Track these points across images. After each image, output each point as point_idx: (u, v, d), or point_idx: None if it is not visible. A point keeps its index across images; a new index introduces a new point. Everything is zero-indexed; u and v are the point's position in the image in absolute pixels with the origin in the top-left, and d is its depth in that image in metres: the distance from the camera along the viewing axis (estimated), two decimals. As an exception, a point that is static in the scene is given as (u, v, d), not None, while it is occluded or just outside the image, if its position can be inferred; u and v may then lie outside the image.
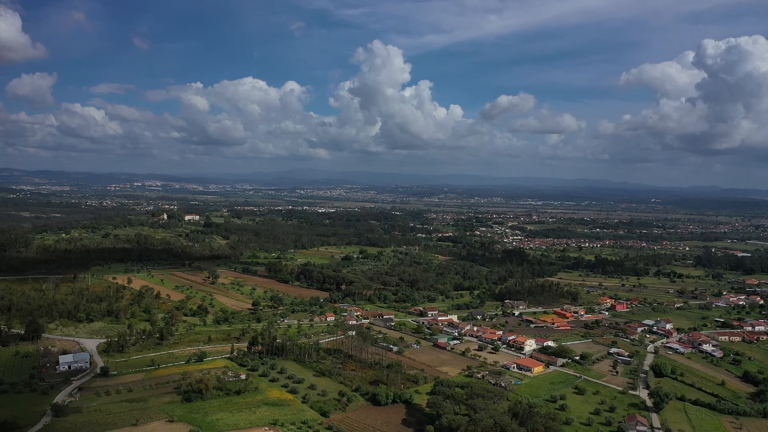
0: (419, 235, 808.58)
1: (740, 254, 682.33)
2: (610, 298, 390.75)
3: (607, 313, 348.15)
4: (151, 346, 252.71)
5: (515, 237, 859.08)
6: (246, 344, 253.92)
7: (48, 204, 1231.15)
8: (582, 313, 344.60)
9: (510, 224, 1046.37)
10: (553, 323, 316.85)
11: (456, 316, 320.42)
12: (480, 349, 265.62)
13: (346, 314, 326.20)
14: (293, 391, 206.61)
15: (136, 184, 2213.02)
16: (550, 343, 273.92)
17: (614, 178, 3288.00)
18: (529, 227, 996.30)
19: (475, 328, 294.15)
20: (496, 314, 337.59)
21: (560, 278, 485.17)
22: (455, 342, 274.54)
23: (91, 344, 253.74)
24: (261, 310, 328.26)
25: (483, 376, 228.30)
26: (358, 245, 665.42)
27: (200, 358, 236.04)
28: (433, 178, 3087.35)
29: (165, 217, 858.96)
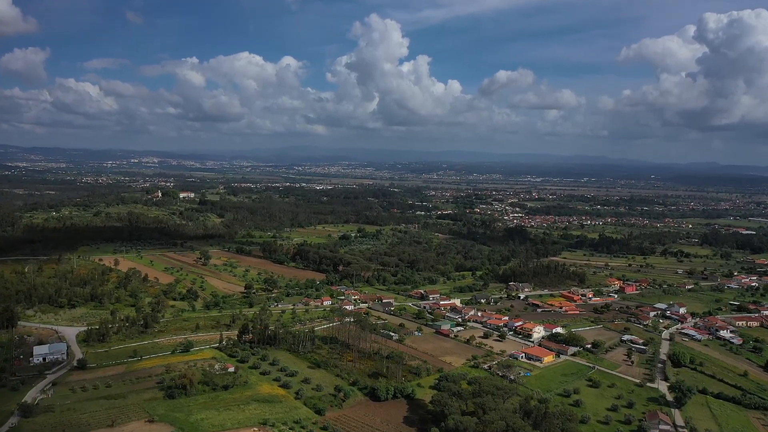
0: (418, 212, 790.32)
1: (744, 232, 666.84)
2: (618, 279, 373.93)
3: (616, 296, 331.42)
4: (135, 334, 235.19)
5: (515, 214, 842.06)
6: (236, 332, 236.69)
7: (42, 181, 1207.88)
8: (590, 296, 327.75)
9: (510, 201, 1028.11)
10: (561, 307, 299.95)
11: (459, 300, 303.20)
12: (485, 336, 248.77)
13: (343, 298, 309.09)
14: (286, 386, 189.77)
15: (132, 160, 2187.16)
16: (560, 330, 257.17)
17: (613, 155, 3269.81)
18: (529, 204, 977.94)
19: (479, 314, 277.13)
20: (501, 297, 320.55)
21: (564, 258, 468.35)
22: (459, 329, 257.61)
23: (71, 333, 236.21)
24: (254, 293, 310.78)
25: (490, 367, 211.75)
26: (356, 223, 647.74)
27: (186, 348, 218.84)
28: (431, 155, 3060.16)
29: (159, 194, 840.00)
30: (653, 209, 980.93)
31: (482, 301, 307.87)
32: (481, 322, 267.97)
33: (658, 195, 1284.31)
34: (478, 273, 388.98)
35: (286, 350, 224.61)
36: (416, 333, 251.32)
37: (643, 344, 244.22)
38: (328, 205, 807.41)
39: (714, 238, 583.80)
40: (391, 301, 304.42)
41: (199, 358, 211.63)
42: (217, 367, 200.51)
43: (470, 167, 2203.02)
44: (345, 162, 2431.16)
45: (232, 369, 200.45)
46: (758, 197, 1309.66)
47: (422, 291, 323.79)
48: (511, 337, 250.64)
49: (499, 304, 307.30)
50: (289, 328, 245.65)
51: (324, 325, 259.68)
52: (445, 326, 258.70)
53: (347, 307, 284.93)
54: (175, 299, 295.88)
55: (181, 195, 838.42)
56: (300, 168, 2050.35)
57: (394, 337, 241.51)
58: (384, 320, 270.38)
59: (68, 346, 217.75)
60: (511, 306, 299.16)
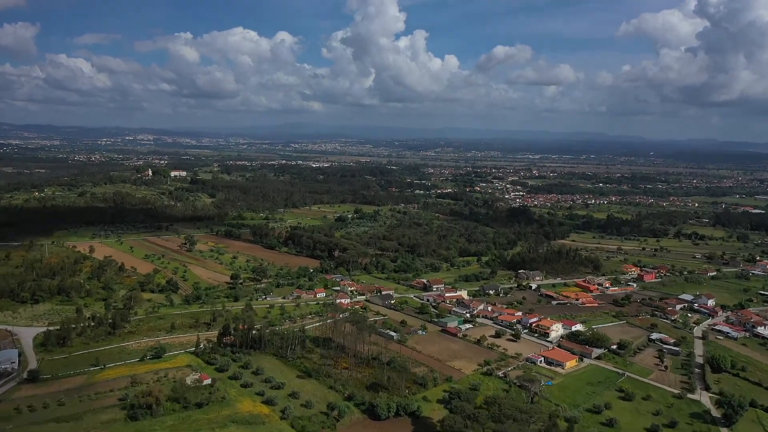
0: (417, 191, 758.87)
1: (753, 211, 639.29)
2: (635, 265, 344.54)
3: (635, 285, 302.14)
4: (102, 336, 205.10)
5: (517, 193, 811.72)
6: (217, 333, 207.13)
7: (33, 159, 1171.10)
8: (607, 285, 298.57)
9: (510, 179, 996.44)
10: (577, 299, 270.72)
11: (465, 291, 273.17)
12: (497, 335, 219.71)
13: (338, 289, 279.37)
14: (270, 402, 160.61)
15: (127, 138, 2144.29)
16: (580, 327, 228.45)
17: (611, 132, 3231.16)
18: (530, 182, 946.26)
19: (489, 308, 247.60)
20: (511, 288, 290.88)
21: (573, 241, 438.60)
22: (467, 326, 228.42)
23: (29, 335, 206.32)
24: (241, 284, 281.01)
25: (505, 375, 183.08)
26: (353, 203, 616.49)
27: (158, 354, 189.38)
28: (428, 132, 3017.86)
29: (150, 173, 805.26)
30: (656, 187, 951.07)
31: (491, 292, 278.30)
32: (491, 318, 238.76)
33: (659, 172, 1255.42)
34: (484, 259, 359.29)
35: (273, 355, 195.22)
36: (420, 332, 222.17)
37: (675, 344, 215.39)
38: (324, 183, 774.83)
39: (726, 218, 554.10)
40: (390, 292, 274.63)
41: (172, 367, 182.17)
42: (190, 379, 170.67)
43: (468, 144, 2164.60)
44: (342, 139, 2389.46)
45: (208, 381, 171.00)
46: (760, 174, 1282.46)
47: (425, 281, 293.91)
48: (526, 336, 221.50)
49: (509, 295, 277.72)
50: (278, 327, 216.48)
51: (316, 322, 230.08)
52: (452, 323, 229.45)
53: (342, 300, 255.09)
54: (152, 291, 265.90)
55: (173, 174, 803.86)
56: (297, 145, 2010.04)
57: (395, 337, 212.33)
58: (383, 316, 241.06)
59: (21, 353, 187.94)
60: (523, 298, 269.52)
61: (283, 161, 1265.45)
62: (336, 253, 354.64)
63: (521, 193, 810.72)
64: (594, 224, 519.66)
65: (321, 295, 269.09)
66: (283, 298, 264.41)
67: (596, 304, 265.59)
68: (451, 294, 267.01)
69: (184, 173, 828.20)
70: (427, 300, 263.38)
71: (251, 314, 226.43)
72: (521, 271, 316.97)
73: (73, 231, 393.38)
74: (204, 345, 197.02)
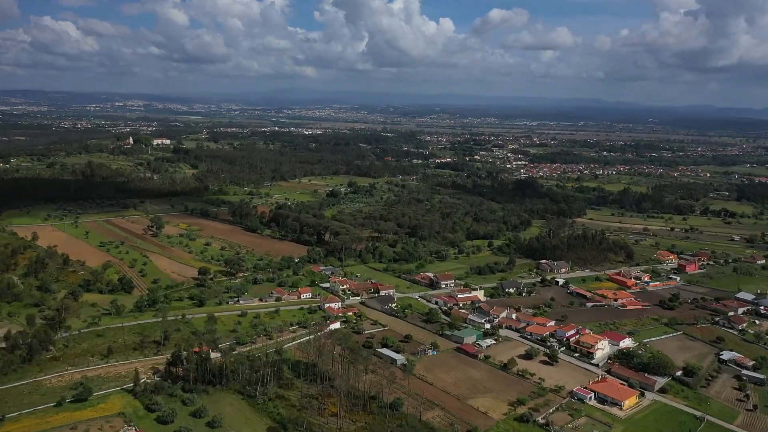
0: (415, 161, 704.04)
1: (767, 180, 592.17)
2: (670, 251, 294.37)
3: (678, 279, 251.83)
4: (14, 365, 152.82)
5: (519, 162, 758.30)
6: (166, 359, 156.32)
7: (16, 126, 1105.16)
8: (646, 279, 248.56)
9: (510, 147, 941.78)
10: (616, 299, 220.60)
11: (482, 292, 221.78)
12: (528, 356, 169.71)
13: (327, 287, 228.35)
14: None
15: (117, 104, 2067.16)
16: (629, 343, 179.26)
17: (608, 98, 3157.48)
18: (531, 151, 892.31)
19: (513, 315, 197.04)
20: (534, 284, 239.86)
21: (591, 219, 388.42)
22: (488, 342, 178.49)
23: None
24: (211, 279, 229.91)
25: (548, 422, 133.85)
26: (347, 175, 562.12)
27: (82, 395, 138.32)
28: (424, 98, 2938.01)
29: (131, 141, 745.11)
30: (662, 156, 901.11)
31: (511, 290, 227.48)
32: (517, 330, 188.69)
33: (661, 139, 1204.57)
34: (496, 243, 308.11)
35: (238, 393, 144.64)
36: (430, 351, 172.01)
37: (755, 367, 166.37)
38: (317, 153, 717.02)
39: (750, 191, 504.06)
40: (390, 291, 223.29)
41: (98, 416, 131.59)
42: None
43: (464, 110, 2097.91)
44: (336, 105, 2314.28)
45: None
46: (763, 141, 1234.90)
47: (431, 275, 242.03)
48: (564, 356, 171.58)
49: (533, 294, 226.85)
50: (248, 347, 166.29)
51: (299, 337, 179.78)
52: (469, 338, 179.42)
53: (332, 305, 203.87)
54: (101, 292, 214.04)
55: (155, 142, 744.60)
56: (290, 111, 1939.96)
57: (398, 361, 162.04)
58: (383, 327, 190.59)
59: None
60: (552, 299, 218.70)
61: (276, 128, 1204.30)
62: (327, 237, 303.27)
63: (523, 163, 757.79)
64: (609, 199, 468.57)
65: (306, 295, 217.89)
66: (260, 300, 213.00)
67: (640, 306, 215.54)
68: (465, 295, 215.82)
69: (167, 142, 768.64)
70: (436, 303, 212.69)
71: (214, 330, 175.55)
72: (543, 261, 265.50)
73: (26, 210, 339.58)
74: (146, 381, 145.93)
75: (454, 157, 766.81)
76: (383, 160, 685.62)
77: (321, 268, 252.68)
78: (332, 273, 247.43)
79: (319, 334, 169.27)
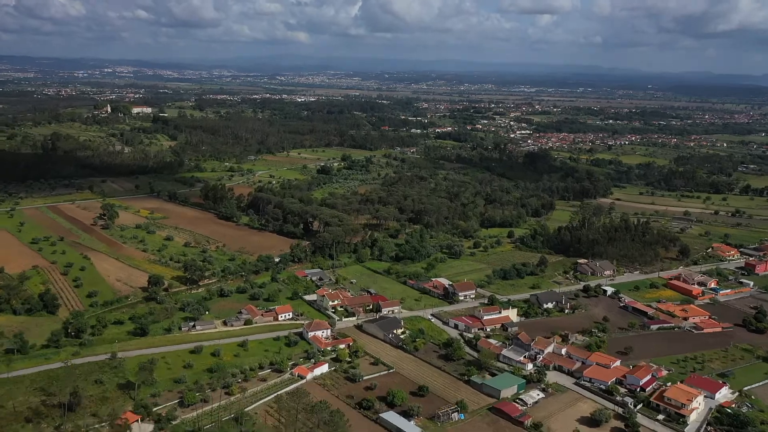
0: (414, 130, 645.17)
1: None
2: (727, 245, 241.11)
3: (752, 285, 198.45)
4: None
5: (523, 132, 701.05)
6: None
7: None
8: (713, 285, 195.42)
9: (512, 115, 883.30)
10: (686, 317, 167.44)
11: (515, 312, 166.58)
12: (594, 421, 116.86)
13: (314, 300, 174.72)
14: None
15: (106, 70, 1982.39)
16: (726, 394, 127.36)
17: (605, 64, 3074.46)
18: (534, 119, 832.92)
19: (563, 351, 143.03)
20: (575, 294, 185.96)
21: (618, 199, 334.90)
22: (536, 397, 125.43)
23: None
24: (165, 291, 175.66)
25: None
26: (340, 147, 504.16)
27: None
28: (419, 64, 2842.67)
29: (108, 109, 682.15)
30: (670, 124, 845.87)
31: (550, 306, 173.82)
32: (570, 373, 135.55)
33: (664, 107, 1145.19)
34: (518, 232, 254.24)
35: None
36: (454, 414, 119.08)
37: None
38: (308, 121, 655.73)
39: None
40: (395, 309, 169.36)
41: None
42: None
43: (460, 77, 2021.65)
44: (330, 72, 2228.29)
45: None
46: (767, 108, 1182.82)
47: (446, 283, 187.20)
48: (643, 418, 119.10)
49: (580, 312, 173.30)
50: (196, 409, 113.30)
51: (272, 390, 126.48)
52: (508, 389, 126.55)
53: (319, 333, 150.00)
54: (15, 312, 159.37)
55: (135, 110, 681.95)
56: (283, 78, 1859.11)
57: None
58: (387, 368, 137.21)
59: None
60: (605, 319, 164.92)
61: (267, 95, 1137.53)
62: (315, 226, 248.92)
63: (528, 132, 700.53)
64: (632, 174, 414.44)
65: (286, 315, 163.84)
66: (225, 323, 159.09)
67: (719, 328, 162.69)
68: (493, 315, 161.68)
69: (148, 110, 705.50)
70: (455, 326, 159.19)
71: (152, 381, 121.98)
72: (582, 261, 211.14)
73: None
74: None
75: (454, 126, 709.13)
76: (380, 129, 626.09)
77: (307, 273, 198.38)
78: (320, 278, 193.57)
79: (285, 394, 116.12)
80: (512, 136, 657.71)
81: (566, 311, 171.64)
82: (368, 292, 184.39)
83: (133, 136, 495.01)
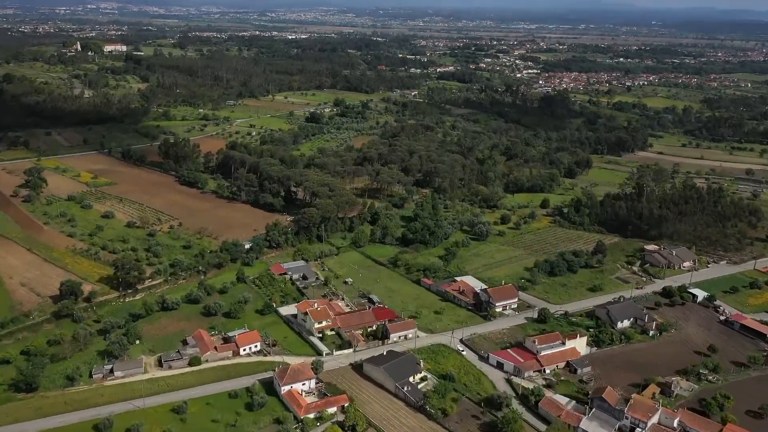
0: (413, 69, 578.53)
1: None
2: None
3: None
4: None
5: (530, 71, 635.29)
6: None
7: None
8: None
9: (517, 53, 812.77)
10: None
11: (584, 341, 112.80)
12: None
13: (293, 315, 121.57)
14: None
15: (89, 6, 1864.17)
16: None
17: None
18: (541, 57, 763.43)
19: (675, 423, 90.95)
20: (657, 303, 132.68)
21: (660, 153, 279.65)
22: None
23: None
24: (87, 302, 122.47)
25: None
26: (333, 89, 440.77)
27: None
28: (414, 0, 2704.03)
29: (78, 47, 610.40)
30: (684, 62, 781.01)
31: (625, 324, 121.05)
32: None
33: (673, 44, 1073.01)
34: (553, 200, 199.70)
35: None
36: None
37: None
38: (298, 60, 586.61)
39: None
40: (409, 334, 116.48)
41: None
42: None
43: (458, 13, 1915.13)
44: (323, 8, 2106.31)
45: None
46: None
47: (476, 289, 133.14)
48: None
49: (667, 333, 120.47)
50: None
51: None
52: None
53: (298, 386, 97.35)
54: None
55: (107, 48, 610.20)
56: (273, 14, 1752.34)
57: None
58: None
59: None
60: (712, 349, 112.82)
61: (257, 32, 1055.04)
62: (299, 194, 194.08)
63: (536, 71, 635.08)
64: (665, 121, 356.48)
65: (251, 348, 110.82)
66: (159, 363, 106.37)
67: None
68: (555, 350, 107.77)
69: (123, 48, 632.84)
70: (500, 365, 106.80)
71: None
72: (651, 249, 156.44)
73: None
74: None
75: (456, 65, 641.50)
76: (376, 69, 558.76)
77: (286, 267, 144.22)
78: (303, 277, 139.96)
79: None
80: (519, 75, 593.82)
81: (650, 332, 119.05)
82: (369, 299, 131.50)
83: (99, 77, 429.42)
